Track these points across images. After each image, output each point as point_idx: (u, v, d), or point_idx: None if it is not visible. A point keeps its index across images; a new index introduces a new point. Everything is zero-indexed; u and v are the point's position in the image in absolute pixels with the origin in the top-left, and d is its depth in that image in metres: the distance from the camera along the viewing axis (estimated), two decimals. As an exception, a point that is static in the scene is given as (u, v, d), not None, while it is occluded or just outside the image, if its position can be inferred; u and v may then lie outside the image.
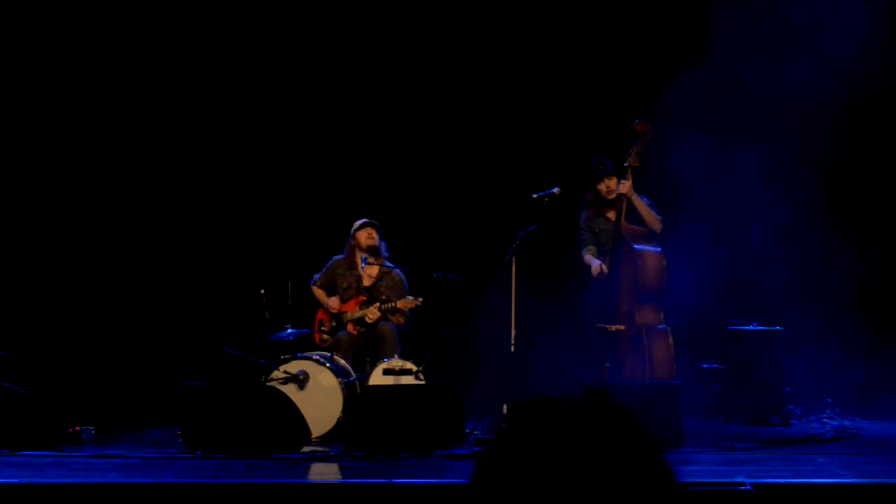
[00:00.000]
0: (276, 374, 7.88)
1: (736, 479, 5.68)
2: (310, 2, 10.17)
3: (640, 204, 8.28)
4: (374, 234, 8.60)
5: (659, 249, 8.28)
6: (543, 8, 9.91)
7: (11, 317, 9.53)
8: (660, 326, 8.22)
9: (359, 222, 8.70)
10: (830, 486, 5.75)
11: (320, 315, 8.71)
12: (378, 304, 8.48)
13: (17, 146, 9.89)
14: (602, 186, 8.38)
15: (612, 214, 8.41)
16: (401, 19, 10.07)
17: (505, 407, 7.74)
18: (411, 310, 8.55)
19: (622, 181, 8.28)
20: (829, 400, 9.14)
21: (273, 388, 7.58)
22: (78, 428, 7.87)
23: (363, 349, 8.48)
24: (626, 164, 8.31)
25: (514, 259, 7.94)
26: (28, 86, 9.89)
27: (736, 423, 8.59)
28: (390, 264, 8.70)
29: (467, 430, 7.72)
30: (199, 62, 10.07)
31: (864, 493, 5.70)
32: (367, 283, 8.65)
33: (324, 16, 10.12)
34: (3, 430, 7.26)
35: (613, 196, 8.33)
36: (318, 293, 8.78)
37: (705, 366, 9.25)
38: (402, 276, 8.68)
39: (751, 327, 9.11)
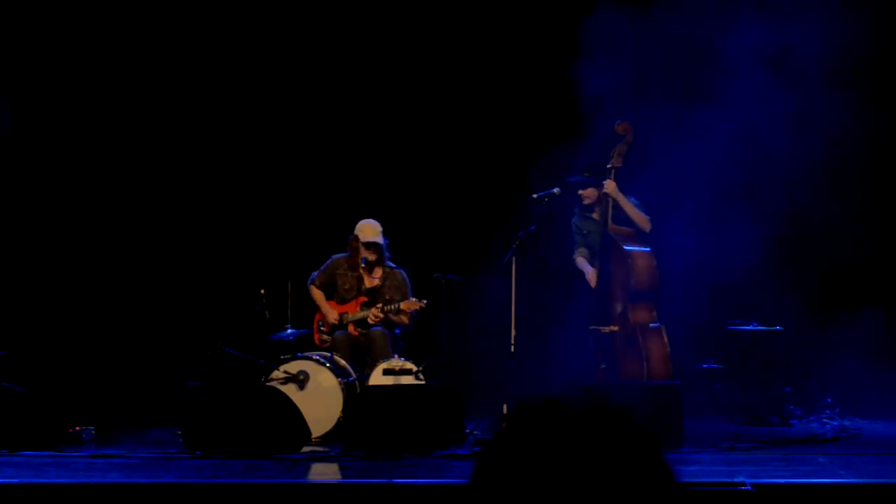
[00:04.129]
0: (276, 374, 7.88)
1: (736, 479, 5.69)
2: (310, 2, 10.16)
3: (627, 204, 8.29)
4: (377, 251, 8.51)
5: (648, 249, 8.30)
6: (540, 12, 9.91)
7: (11, 317, 9.52)
8: (653, 325, 8.23)
9: (364, 238, 8.47)
10: (830, 486, 5.75)
11: (319, 315, 8.68)
12: (381, 306, 8.43)
13: (17, 146, 9.89)
14: (582, 193, 8.45)
15: (597, 216, 8.46)
16: (401, 19, 10.07)
17: (505, 407, 7.75)
18: (416, 311, 8.50)
19: (606, 181, 8.30)
20: (829, 400, 9.15)
21: (273, 388, 7.58)
22: (78, 428, 7.87)
23: (361, 349, 8.45)
24: (608, 166, 8.33)
25: (514, 259, 7.95)
26: (27, 86, 9.88)
27: (736, 423, 8.59)
28: (392, 264, 8.66)
29: (467, 430, 7.72)
30: (199, 62, 10.06)
31: (864, 493, 5.70)
32: (369, 284, 8.59)
33: (325, 15, 10.12)
34: (3, 430, 7.26)
35: (590, 202, 8.40)
36: (317, 294, 8.66)
37: (705, 366, 9.25)
38: (404, 276, 8.65)
39: (751, 327, 9.11)
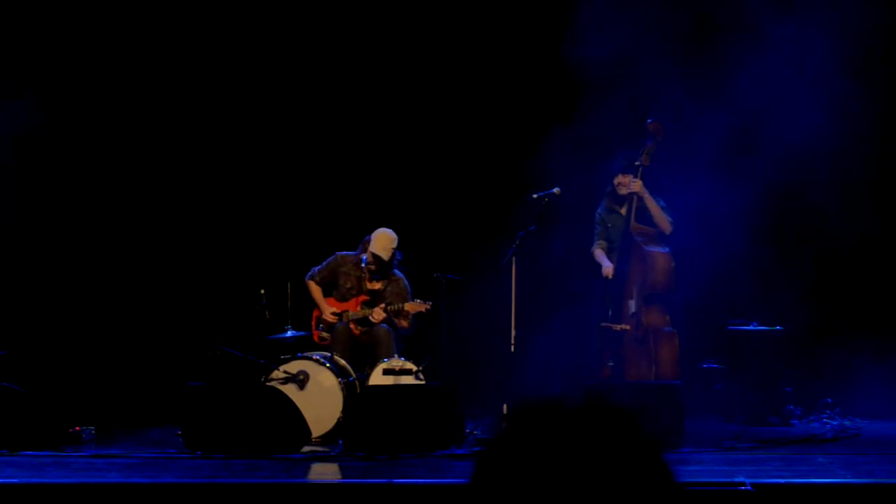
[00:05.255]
0: (276, 374, 7.87)
1: (736, 479, 5.69)
2: (311, 2, 10.17)
3: (652, 204, 8.34)
4: (379, 265, 8.38)
5: (668, 250, 8.33)
6: (538, 13, 9.91)
7: (11, 317, 9.52)
8: (667, 329, 8.26)
9: (391, 243, 8.32)
10: (830, 486, 5.75)
11: (318, 312, 8.66)
12: (384, 306, 8.41)
13: (16, 146, 9.88)
14: (616, 180, 8.47)
15: (624, 211, 8.48)
16: (401, 21, 10.07)
17: (505, 407, 7.75)
18: (418, 314, 8.43)
19: (633, 180, 8.34)
20: (829, 400, 9.15)
21: (273, 388, 7.58)
22: (78, 428, 7.87)
23: (361, 347, 8.44)
24: (637, 164, 8.36)
25: (514, 259, 7.95)
26: (25, 84, 9.87)
27: (736, 423, 8.59)
28: (395, 270, 8.62)
29: (467, 430, 7.73)
30: (199, 62, 10.06)
31: (864, 493, 5.70)
32: (371, 286, 8.56)
33: (326, 16, 10.11)
34: (3, 430, 7.26)
35: (623, 192, 8.42)
36: (315, 289, 8.60)
37: (705, 366, 9.25)
38: (406, 282, 8.62)
39: (751, 327, 9.11)
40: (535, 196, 8.18)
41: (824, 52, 8.92)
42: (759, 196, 9.44)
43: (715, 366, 9.22)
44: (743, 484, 5.59)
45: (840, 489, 5.71)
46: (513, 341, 7.87)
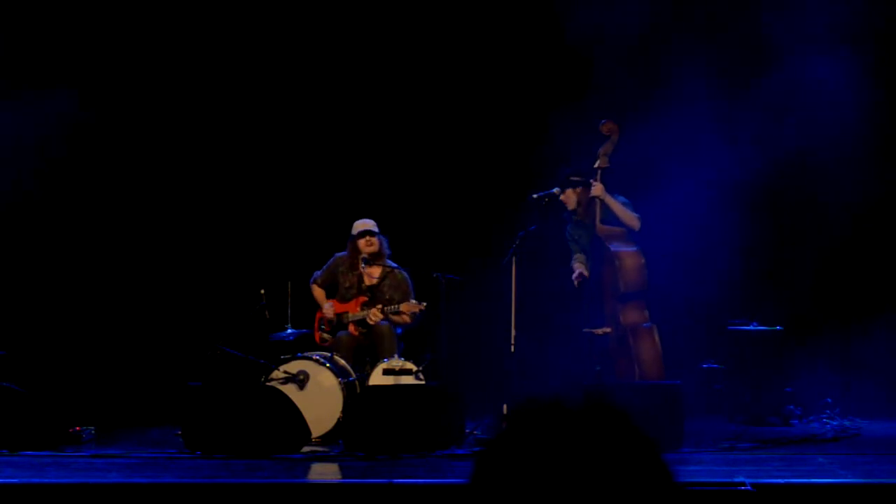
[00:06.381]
0: (276, 374, 7.88)
1: (736, 479, 5.69)
2: (310, 2, 10.17)
3: (614, 204, 8.15)
4: (374, 241, 8.52)
5: (636, 248, 8.16)
6: (538, 14, 9.92)
7: (11, 317, 9.52)
8: (644, 325, 8.14)
9: (357, 229, 8.57)
10: (830, 486, 5.75)
11: (320, 314, 8.69)
12: (381, 307, 8.43)
13: (17, 146, 9.88)
14: (561, 197, 8.30)
15: (581, 217, 8.35)
16: (400, 20, 10.07)
17: (505, 407, 7.75)
18: (416, 312, 8.50)
19: (593, 183, 8.18)
20: (829, 400, 9.14)
21: (273, 388, 7.58)
22: (78, 428, 7.87)
23: (363, 349, 8.47)
24: (595, 167, 8.24)
25: (514, 259, 7.94)
26: (23, 83, 9.87)
27: (736, 423, 8.59)
28: (393, 263, 8.66)
29: (467, 430, 7.73)
30: (198, 62, 10.06)
31: (864, 493, 5.70)
32: (368, 282, 8.60)
33: (324, 15, 10.12)
34: (3, 430, 7.26)
35: (572, 207, 8.28)
36: (318, 292, 8.71)
37: (705, 366, 9.25)
38: (405, 274, 8.65)
39: (751, 327, 9.11)
40: (535, 196, 8.15)
41: (827, 43, 8.93)
42: (759, 195, 9.45)
43: (715, 366, 9.22)
44: (743, 484, 5.59)
45: (840, 489, 5.71)
46: (513, 341, 7.86)
